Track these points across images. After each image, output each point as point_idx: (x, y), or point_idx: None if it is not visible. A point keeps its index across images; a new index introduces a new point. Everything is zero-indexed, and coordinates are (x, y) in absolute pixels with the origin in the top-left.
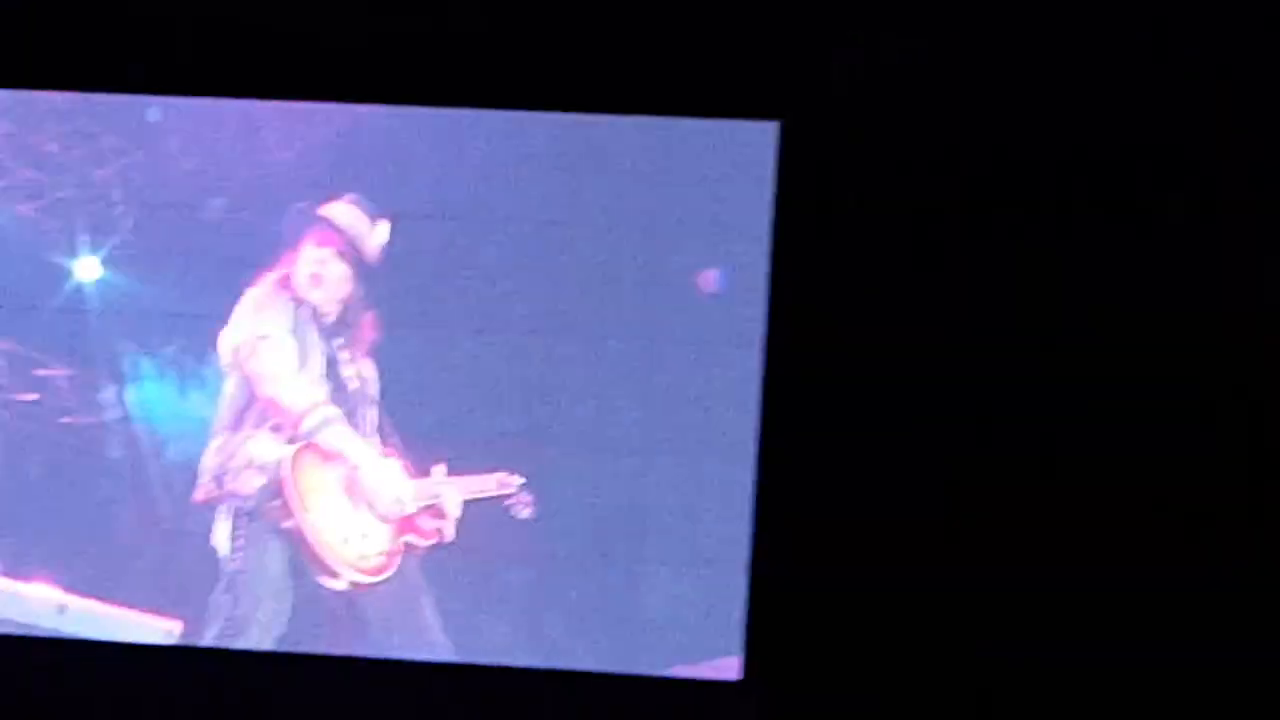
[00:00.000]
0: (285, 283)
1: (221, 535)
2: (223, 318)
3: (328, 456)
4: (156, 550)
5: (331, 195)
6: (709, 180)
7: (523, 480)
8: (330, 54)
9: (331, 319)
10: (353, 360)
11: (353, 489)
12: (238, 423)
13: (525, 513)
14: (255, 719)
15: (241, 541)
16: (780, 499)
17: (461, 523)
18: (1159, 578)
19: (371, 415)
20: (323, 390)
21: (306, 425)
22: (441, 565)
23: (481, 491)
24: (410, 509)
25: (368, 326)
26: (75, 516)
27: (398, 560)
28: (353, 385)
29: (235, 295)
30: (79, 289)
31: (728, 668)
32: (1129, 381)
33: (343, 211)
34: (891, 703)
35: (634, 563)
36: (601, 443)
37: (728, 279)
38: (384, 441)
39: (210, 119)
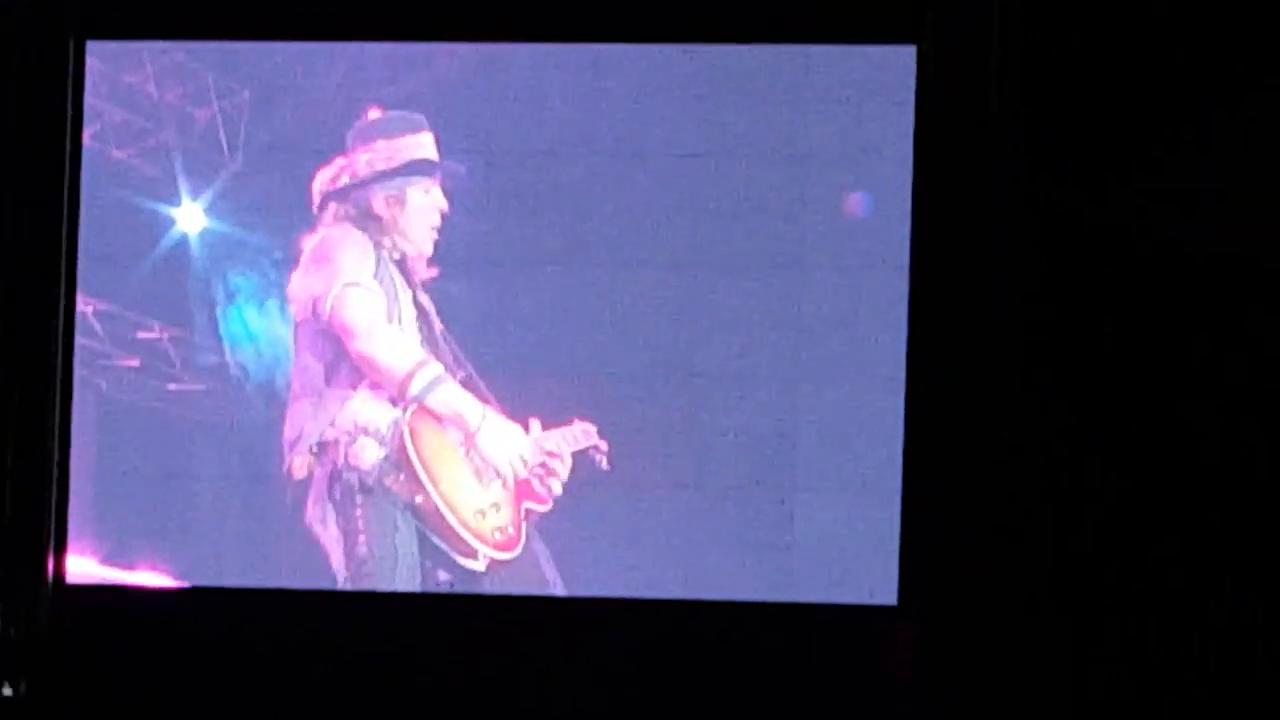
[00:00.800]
0: (363, 219)
1: (336, 514)
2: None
3: (443, 420)
4: (272, 532)
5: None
6: (850, 106)
7: (595, 428)
8: None
9: (417, 259)
10: (435, 302)
11: (474, 455)
12: (328, 382)
13: (604, 463)
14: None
15: (363, 523)
16: (931, 422)
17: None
18: None
19: (458, 368)
20: (417, 342)
21: (415, 388)
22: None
23: (575, 444)
24: (524, 471)
25: (431, 267)
26: (182, 497)
27: (523, 531)
28: (440, 337)
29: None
30: (182, 240)
31: (884, 594)
32: None
33: (429, 143)
34: (1050, 629)
35: (787, 491)
36: (751, 371)
37: (872, 203)
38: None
39: (322, 58)
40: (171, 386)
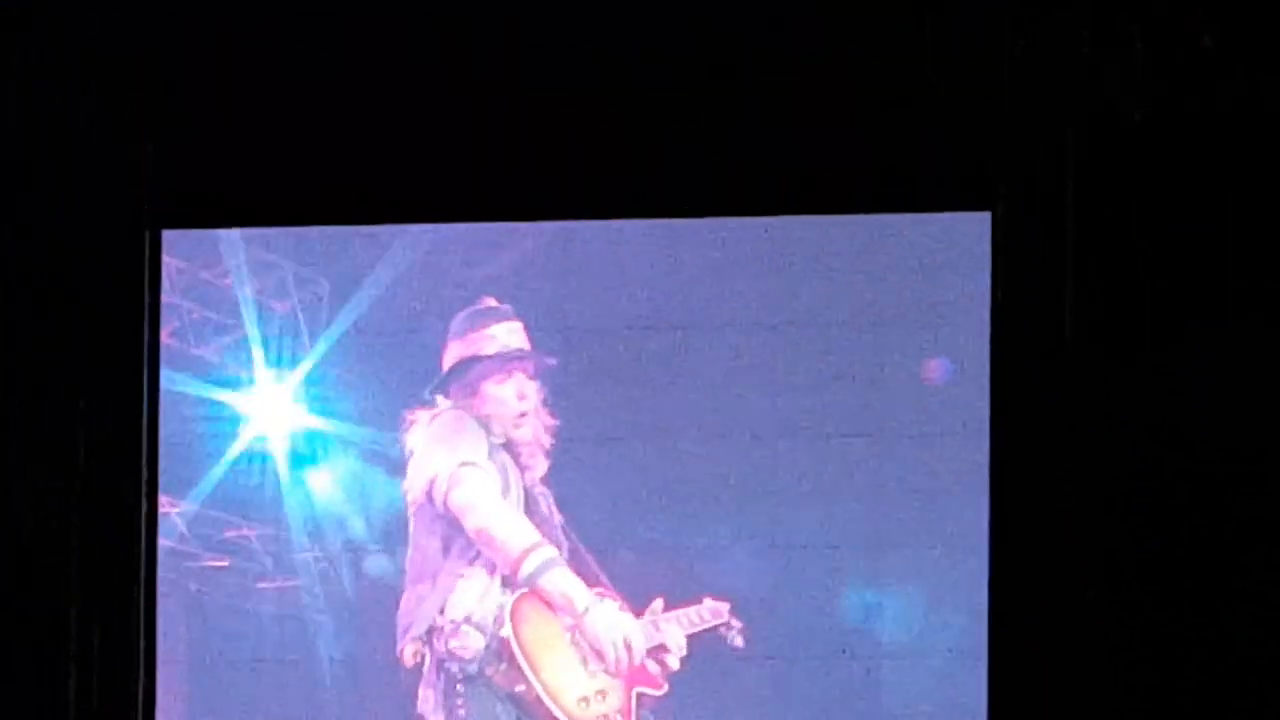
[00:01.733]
0: (474, 408)
1: (442, 703)
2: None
3: (551, 605)
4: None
5: (544, 312)
6: (926, 272)
7: (729, 605)
8: (539, 169)
9: (524, 448)
10: (544, 490)
11: (580, 641)
12: (440, 562)
13: (738, 640)
14: None
15: (463, 712)
16: (1016, 587)
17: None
18: None
19: (567, 548)
20: (531, 525)
21: (527, 569)
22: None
23: (700, 623)
24: (638, 657)
25: (545, 452)
26: (280, 699)
27: (635, 717)
28: (550, 518)
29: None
30: (263, 434)
31: None
32: None
33: (520, 335)
34: None
35: (873, 658)
36: (834, 539)
37: (951, 369)
38: (592, 580)
39: (399, 241)
40: (261, 585)
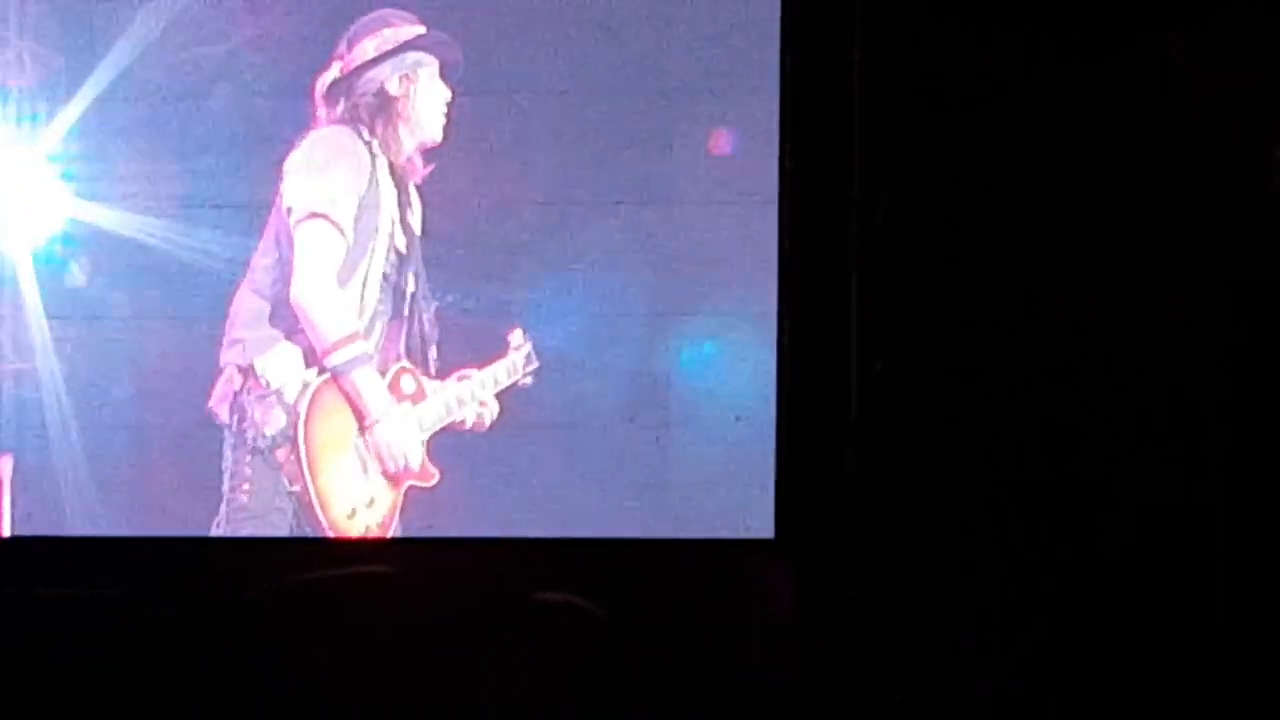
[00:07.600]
0: (371, 110)
1: (231, 452)
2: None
3: (345, 401)
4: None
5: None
6: (715, 40)
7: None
8: None
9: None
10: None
11: (364, 444)
12: (277, 282)
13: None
14: None
15: (247, 484)
16: (804, 354)
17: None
18: None
19: (421, 314)
20: (373, 296)
21: (336, 359)
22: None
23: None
24: (416, 464)
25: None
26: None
27: (395, 523)
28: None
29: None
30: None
31: (760, 527)
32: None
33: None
34: (929, 559)
35: (660, 427)
36: (621, 308)
37: (740, 139)
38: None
39: None
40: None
